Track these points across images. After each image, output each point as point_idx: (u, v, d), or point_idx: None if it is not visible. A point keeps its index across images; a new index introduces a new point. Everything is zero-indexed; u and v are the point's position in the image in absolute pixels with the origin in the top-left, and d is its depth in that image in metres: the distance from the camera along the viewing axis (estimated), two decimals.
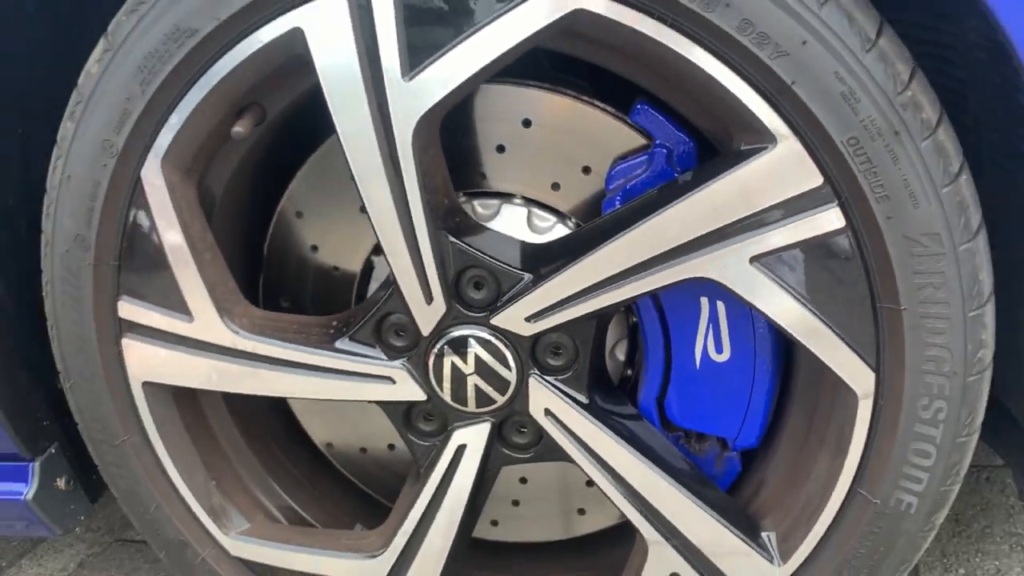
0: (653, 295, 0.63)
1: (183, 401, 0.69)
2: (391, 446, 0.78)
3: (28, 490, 0.77)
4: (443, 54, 0.54)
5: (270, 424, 0.78)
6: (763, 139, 0.53)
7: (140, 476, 0.70)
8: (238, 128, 0.62)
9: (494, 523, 0.79)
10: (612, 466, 0.64)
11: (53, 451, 0.78)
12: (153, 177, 0.60)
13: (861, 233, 0.53)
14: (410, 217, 0.58)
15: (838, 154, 0.52)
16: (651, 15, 0.52)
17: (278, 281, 0.75)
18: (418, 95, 0.55)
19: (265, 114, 0.65)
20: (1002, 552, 0.85)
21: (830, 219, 0.53)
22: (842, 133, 0.51)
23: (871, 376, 0.57)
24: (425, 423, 0.67)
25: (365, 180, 0.58)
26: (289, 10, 0.56)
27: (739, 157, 0.54)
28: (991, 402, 0.59)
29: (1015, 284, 0.60)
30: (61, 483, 0.79)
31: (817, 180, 0.53)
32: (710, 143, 0.62)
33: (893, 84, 0.50)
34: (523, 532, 0.79)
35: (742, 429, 0.65)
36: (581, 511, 0.77)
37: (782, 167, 0.53)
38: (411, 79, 0.55)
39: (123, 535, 1.08)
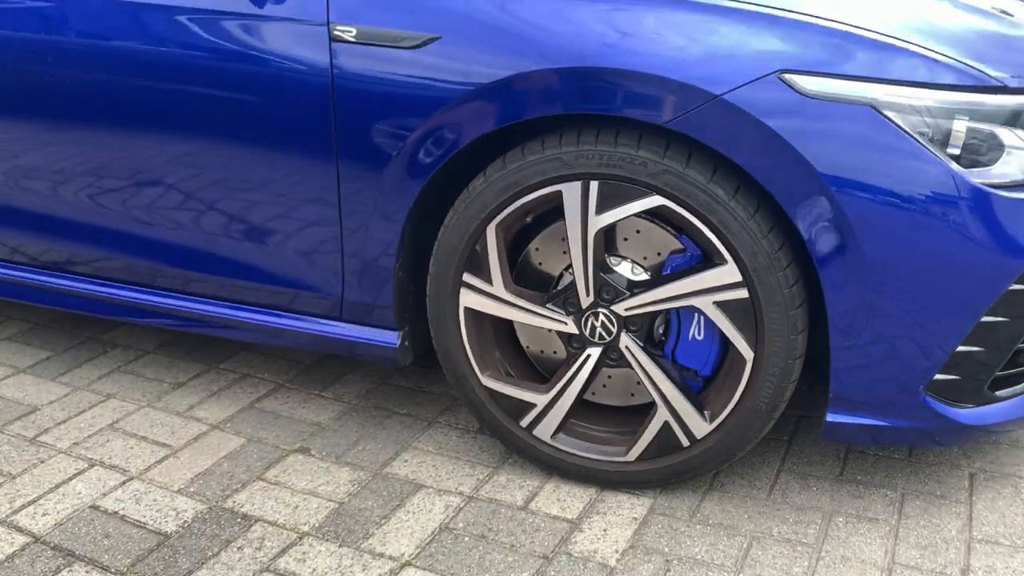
0: (676, 311, 1.53)
1: (478, 317, 1.63)
2: (555, 351, 1.71)
3: (397, 343, 1.73)
4: (609, 209, 1.45)
5: (505, 332, 1.71)
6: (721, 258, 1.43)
7: (454, 343, 1.65)
8: (528, 219, 1.55)
9: (593, 393, 1.72)
10: (649, 373, 1.55)
11: (407, 328, 1.74)
12: (490, 232, 1.54)
13: (755, 290, 1.43)
14: (586, 261, 1.50)
15: (747, 267, 1.41)
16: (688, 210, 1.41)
17: (523, 274, 1.68)
18: (598, 222, 1.46)
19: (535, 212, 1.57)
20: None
21: (741, 292, 1.43)
22: (751, 261, 1.41)
23: (751, 353, 1.46)
24: (574, 344, 1.60)
25: (572, 243, 1.50)
26: (556, 184, 1.47)
27: (710, 264, 1.44)
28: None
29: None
30: (408, 343, 1.75)
31: (738, 276, 1.42)
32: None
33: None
34: (606, 398, 1.72)
35: (704, 367, 1.55)
36: (631, 394, 1.68)
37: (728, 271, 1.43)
38: (598, 215, 1.46)
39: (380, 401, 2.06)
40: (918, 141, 1.28)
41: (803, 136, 1.29)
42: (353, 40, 1.49)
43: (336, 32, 1.49)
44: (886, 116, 1.28)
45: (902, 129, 1.28)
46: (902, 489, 1.59)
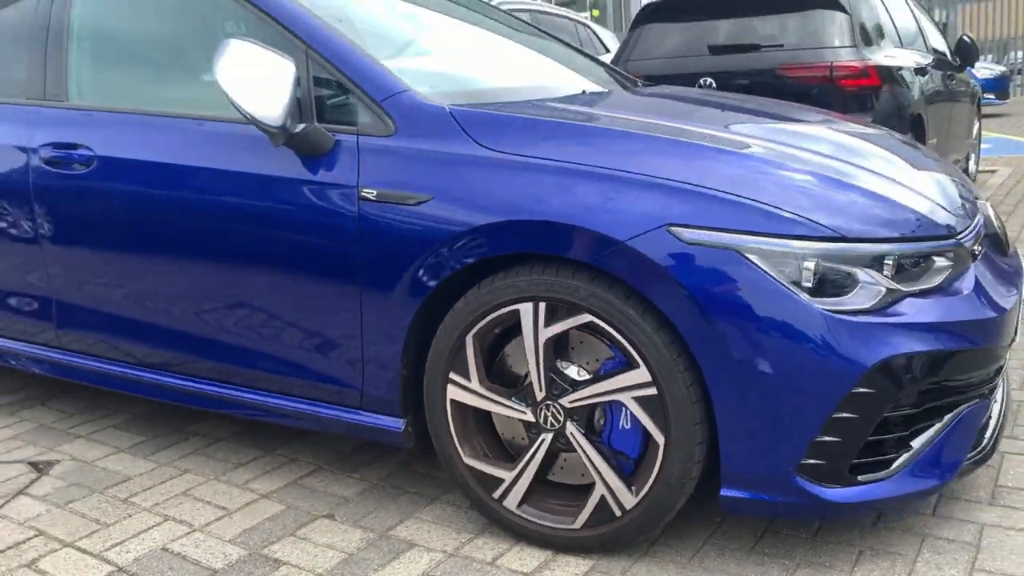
0: (609, 405, 1.95)
1: (461, 408, 2.08)
2: (521, 437, 2.13)
3: (401, 428, 2.19)
4: (554, 324, 1.91)
5: (483, 420, 2.14)
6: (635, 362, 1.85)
7: (443, 429, 2.10)
8: (496, 330, 2.03)
9: (553, 473, 2.11)
10: (588, 455, 1.95)
11: (409, 417, 2.21)
12: (468, 340, 2.01)
13: (662, 389, 1.84)
14: (538, 364, 1.95)
15: (654, 370, 1.83)
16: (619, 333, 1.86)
17: (500, 373, 2.13)
18: (546, 333, 1.92)
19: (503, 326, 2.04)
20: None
21: (652, 390, 1.84)
22: (657, 365, 1.83)
23: (662, 439, 1.85)
24: (532, 430, 2.02)
25: (528, 349, 1.95)
26: (515, 304, 1.95)
27: (629, 367, 1.87)
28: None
29: None
30: (411, 428, 2.21)
31: (648, 377, 1.84)
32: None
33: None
34: (563, 478, 2.09)
35: (633, 451, 1.94)
36: (582, 474, 2.07)
37: (641, 373, 1.85)
38: (546, 328, 1.91)
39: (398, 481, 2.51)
40: (774, 278, 1.71)
41: (686, 273, 1.74)
42: (374, 199, 2.03)
43: (363, 193, 2.05)
44: (748, 259, 1.72)
45: (761, 268, 1.72)
46: (798, 559, 1.92)
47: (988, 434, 2.02)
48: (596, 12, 14.49)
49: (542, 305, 1.89)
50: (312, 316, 2.16)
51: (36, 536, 2.20)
